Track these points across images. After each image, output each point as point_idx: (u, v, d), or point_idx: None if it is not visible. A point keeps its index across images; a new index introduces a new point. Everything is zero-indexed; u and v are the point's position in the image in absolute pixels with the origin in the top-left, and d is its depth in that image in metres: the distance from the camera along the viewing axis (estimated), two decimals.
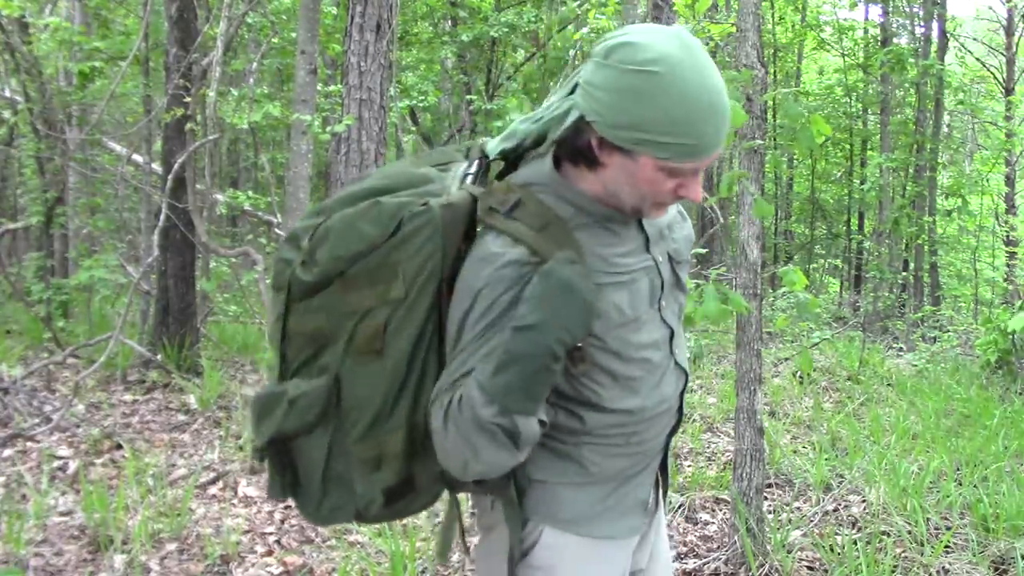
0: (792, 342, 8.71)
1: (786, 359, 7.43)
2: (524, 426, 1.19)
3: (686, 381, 1.47)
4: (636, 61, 1.12)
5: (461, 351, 1.23)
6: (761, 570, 2.99)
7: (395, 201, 1.27)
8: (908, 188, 11.24)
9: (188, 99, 5.52)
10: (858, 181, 14.31)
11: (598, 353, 1.29)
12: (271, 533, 3.43)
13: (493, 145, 1.37)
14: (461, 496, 1.48)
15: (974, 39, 17.23)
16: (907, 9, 13.23)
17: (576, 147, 1.24)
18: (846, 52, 14.74)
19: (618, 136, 1.17)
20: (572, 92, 1.23)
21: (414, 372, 1.29)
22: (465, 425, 1.19)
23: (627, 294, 1.31)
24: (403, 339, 1.27)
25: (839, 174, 16.12)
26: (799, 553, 3.18)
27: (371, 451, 1.32)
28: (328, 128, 5.24)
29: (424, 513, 3.54)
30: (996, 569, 3.11)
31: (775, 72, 15.05)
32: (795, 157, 15.29)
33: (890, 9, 13.33)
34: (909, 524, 3.38)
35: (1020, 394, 6.17)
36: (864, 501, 3.71)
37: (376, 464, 1.33)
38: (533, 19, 12.79)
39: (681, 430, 4.86)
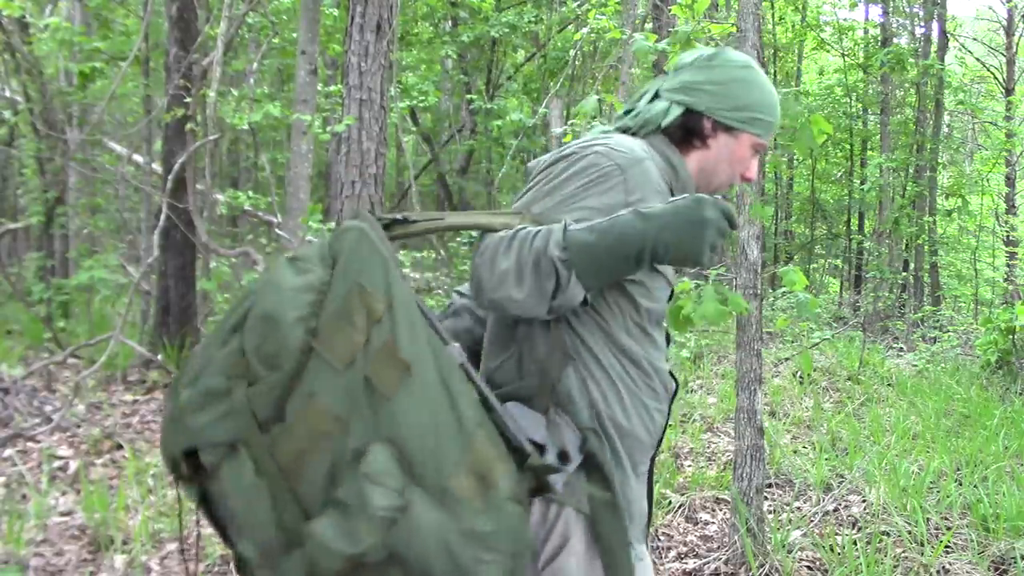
0: (792, 342, 8.71)
1: (786, 359, 7.43)
2: (572, 289, 1.24)
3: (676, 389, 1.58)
4: (738, 62, 1.53)
5: (554, 201, 1.35)
6: (761, 570, 2.99)
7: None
8: (908, 188, 11.24)
9: (188, 99, 5.52)
10: (858, 181, 14.30)
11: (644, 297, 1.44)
12: None
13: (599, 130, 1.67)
14: None
15: (974, 39, 17.23)
16: (907, 9, 13.23)
17: (690, 131, 1.52)
18: (846, 52, 14.74)
19: (732, 117, 1.51)
20: (653, 100, 1.55)
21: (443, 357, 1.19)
22: (528, 250, 1.23)
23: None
24: (416, 332, 1.17)
25: (839, 174, 16.12)
26: (799, 553, 3.18)
27: (475, 469, 1.15)
28: (328, 128, 5.25)
29: None
30: (996, 569, 3.11)
31: (775, 72, 15.05)
32: (795, 157, 15.29)
33: (890, 9, 13.33)
34: (909, 524, 3.38)
35: (1020, 394, 6.17)
36: (864, 501, 3.71)
37: (485, 478, 1.16)
38: (533, 19, 12.79)
39: (681, 430, 4.86)
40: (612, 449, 1.41)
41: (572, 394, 1.37)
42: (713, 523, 3.55)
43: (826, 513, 3.60)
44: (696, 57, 1.54)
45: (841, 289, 16.19)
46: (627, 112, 1.57)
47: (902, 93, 13.53)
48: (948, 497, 3.65)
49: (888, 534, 3.33)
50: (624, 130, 1.55)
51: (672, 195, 1.46)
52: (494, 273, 1.25)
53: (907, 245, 11.48)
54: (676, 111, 1.50)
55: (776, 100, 1.54)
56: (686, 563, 3.17)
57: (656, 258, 1.24)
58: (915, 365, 7.63)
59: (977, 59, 15.74)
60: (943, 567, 3.08)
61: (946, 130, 14.40)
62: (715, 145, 1.53)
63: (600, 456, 1.35)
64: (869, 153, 15.12)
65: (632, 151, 1.41)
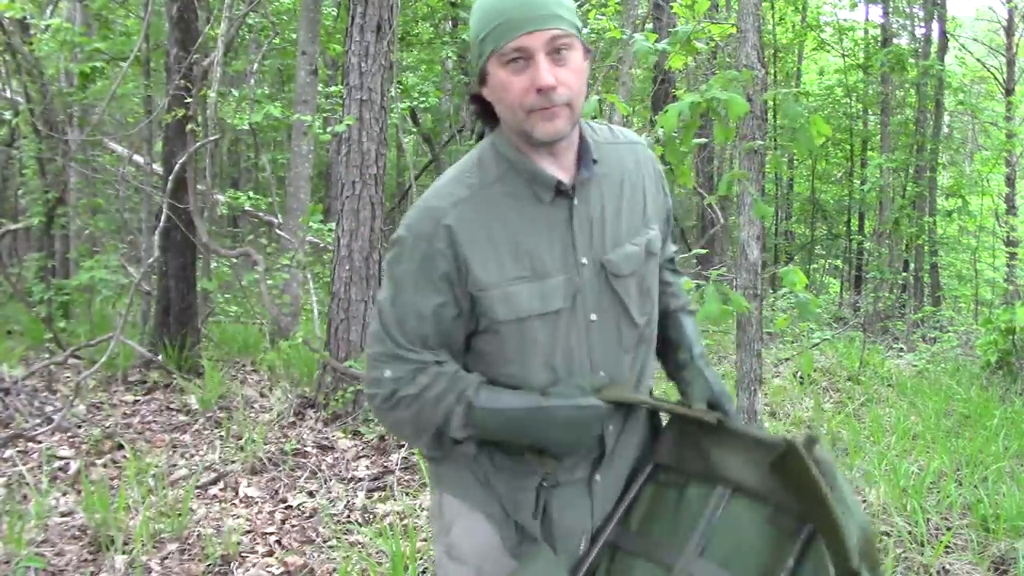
0: (792, 342, 8.71)
1: (786, 359, 7.43)
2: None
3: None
4: None
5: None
6: None
7: None
8: (908, 188, 11.24)
9: (189, 100, 5.52)
10: (858, 181, 14.31)
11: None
12: (272, 533, 3.44)
13: None
14: None
15: (974, 39, 17.23)
16: (907, 9, 13.23)
17: (479, 100, 1.38)
18: (846, 52, 14.74)
19: (475, 53, 1.32)
20: None
21: None
22: (429, 416, 1.42)
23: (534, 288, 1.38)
24: None
25: (839, 174, 16.12)
26: None
27: None
28: (329, 128, 5.25)
29: (424, 513, 3.54)
30: (996, 569, 3.11)
31: (775, 72, 15.04)
32: (795, 157, 15.29)
33: (890, 9, 13.33)
34: (909, 524, 3.38)
35: (1020, 394, 6.16)
36: (864, 501, 3.71)
37: None
38: None
39: None
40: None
41: None
42: None
43: None
44: None
45: (841, 289, 16.19)
46: None
47: (902, 93, 13.53)
48: (948, 497, 3.65)
49: (888, 534, 3.33)
50: (477, 135, 1.49)
51: (527, 188, 1.36)
52: (391, 415, 1.40)
53: (907, 245, 11.48)
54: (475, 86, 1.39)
55: (495, 3, 1.28)
56: None
57: (543, 448, 1.38)
58: (915, 365, 7.62)
59: (977, 59, 15.74)
60: (943, 567, 3.08)
61: (946, 130, 14.40)
62: (490, 96, 1.35)
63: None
64: (869, 153, 15.12)
65: (419, 216, 1.36)
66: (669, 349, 1.57)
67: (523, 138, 1.34)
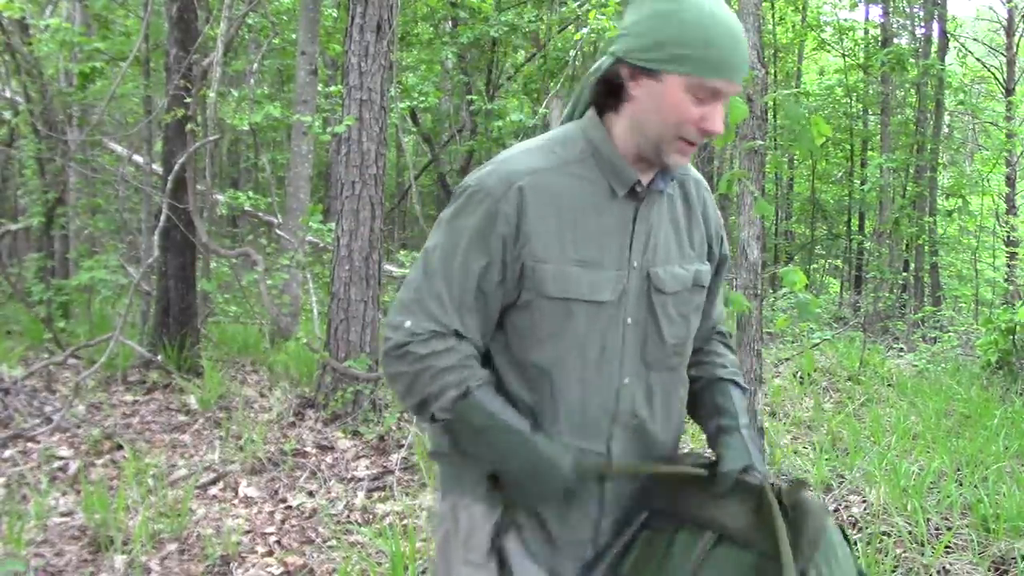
0: (792, 342, 8.71)
1: (786, 359, 7.43)
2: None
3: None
4: None
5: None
6: None
7: None
8: (908, 188, 11.24)
9: (188, 100, 5.52)
10: (858, 181, 14.31)
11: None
12: (271, 533, 3.43)
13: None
14: None
15: (974, 39, 17.23)
16: (907, 9, 13.23)
17: (610, 85, 1.33)
18: (846, 52, 14.75)
19: (649, 58, 1.27)
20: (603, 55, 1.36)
21: None
22: (423, 385, 1.40)
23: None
24: None
25: (839, 174, 16.12)
26: None
27: None
28: (329, 129, 5.25)
29: (424, 513, 3.54)
30: (996, 570, 3.11)
31: (775, 72, 15.05)
32: (795, 157, 15.29)
33: (890, 9, 13.33)
34: (909, 524, 3.38)
35: (1021, 394, 6.16)
36: (864, 501, 3.71)
37: None
38: (533, 19, 12.78)
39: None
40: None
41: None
42: None
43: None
44: None
45: (841, 289, 16.19)
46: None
47: (902, 93, 13.53)
48: (948, 497, 3.65)
49: (888, 534, 3.33)
50: (569, 114, 1.45)
51: (605, 181, 1.36)
52: (393, 365, 1.36)
53: (907, 245, 11.48)
54: (604, 63, 1.33)
55: (713, 30, 1.25)
56: None
57: (500, 476, 1.37)
58: (915, 365, 7.62)
59: (977, 59, 15.74)
60: (943, 567, 3.08)
61: (946, 130, 14.40)
62: (639, 94, 1.30)
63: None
64: (869, 153, 15.12)
65: (503, 175, 1.34)
66: (712, 415, 1.52)
67: (647, 149, 1.34)
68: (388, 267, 9.63)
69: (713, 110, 1.29)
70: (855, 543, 3.17)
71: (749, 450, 1.44)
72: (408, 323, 1.35)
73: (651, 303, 1.40)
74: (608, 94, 1.35)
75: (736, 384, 1.55)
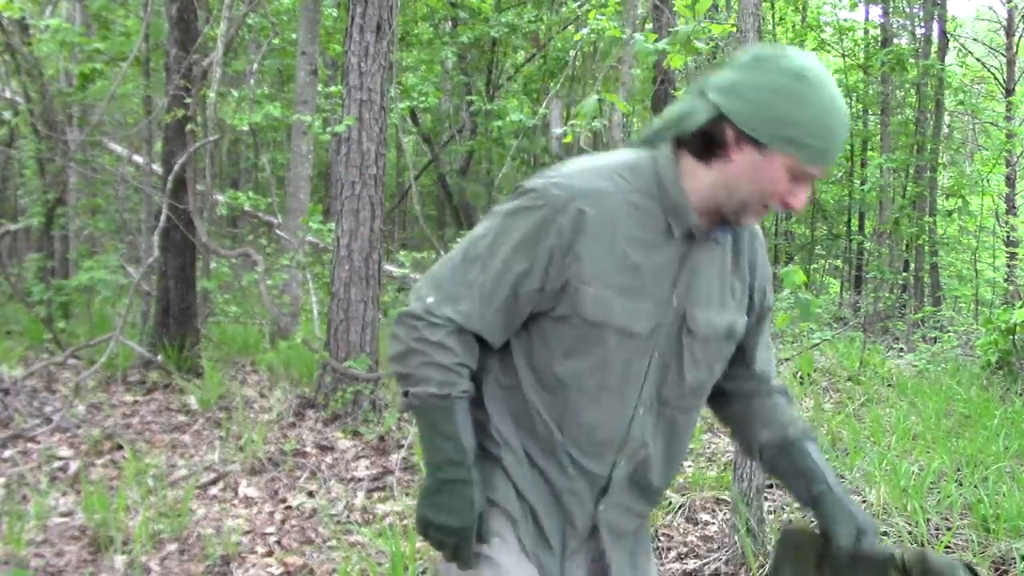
0: (792, 342, 8.71)
1: (786, 359, 7.43)
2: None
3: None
4: (790, 67, 1.27)
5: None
6: (761, 570, 2.99)
7: None
8: (908, 189, 11.25)
9: (188, 100, 5.52)
10: (858, 181, 14.31)
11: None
12: (271, 534, 3.43)
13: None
14: None
15: (974, 39, 17.23)
16: (907, 9, 13.23)
17: (709, 139, 1.32)
18: (846, 52, 14.74)
19: (761, 130, 1.27)
20: (696, 96, 1.34)
21: None
22: (414, 363, 1.43)
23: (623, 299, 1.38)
24: None
25: (839, 174, 16.11)
26: None
27: None
28: (329, 129, 5.25)
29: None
30: (996, 570, 3.11)
31: None
32: None
33: (890, 9, 13.33)
34: (909, 524, 3.38)
35: (1020, 394, 6.16)
36: (864, 501, 3.71)
37: None
38: (533, 20, 12.77)
39: None
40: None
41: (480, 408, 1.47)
42: (713, 523, 3.55)
43: None
44: (745, 56, 1.33)
45: (841, 289, 16.19)
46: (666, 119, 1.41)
47: (902, 93, 13.54)
48: (948, 497, 3.65)
49: (888, 534, 3.33)
50: (644, 139, 1.42)
51: (663, 218, 1.37)
52: (400, 327, 1.40)
53: (907, 245, 11.49)
54: (704, 113, 1.31)
55: (833, 123, 1.27)
56: (686, 563, 3.17)
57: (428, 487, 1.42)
58: (915, 365, 7.62)
59: (977, 59, 15.75)
60: None
61: (946, 130, 14.40)
62: (739, 159, 1.31)
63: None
64: (869, 153, 15.12)
65: (573, 187, 1.34)
66: (801, 481, 1.52)
67: (727, 207, 1.35)
68: (388, 267, 9.63)
69: (802, 189, 1.33)
70: None
71: (854, 513, 1.45)
72: (431, 299, 1.38)
73: (680, 343, 1.42)
74: (700, 143, 1.33)
75: (810, 438, 1.56)
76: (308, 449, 4.46)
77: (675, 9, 4.03)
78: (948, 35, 12.57)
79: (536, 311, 1.39)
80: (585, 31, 8.10)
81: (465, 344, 1.38)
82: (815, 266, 16.83)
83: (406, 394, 1.41)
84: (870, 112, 14.94)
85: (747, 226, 1.41)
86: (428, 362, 1.36)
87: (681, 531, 3.47)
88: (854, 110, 14.76)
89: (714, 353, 1.46)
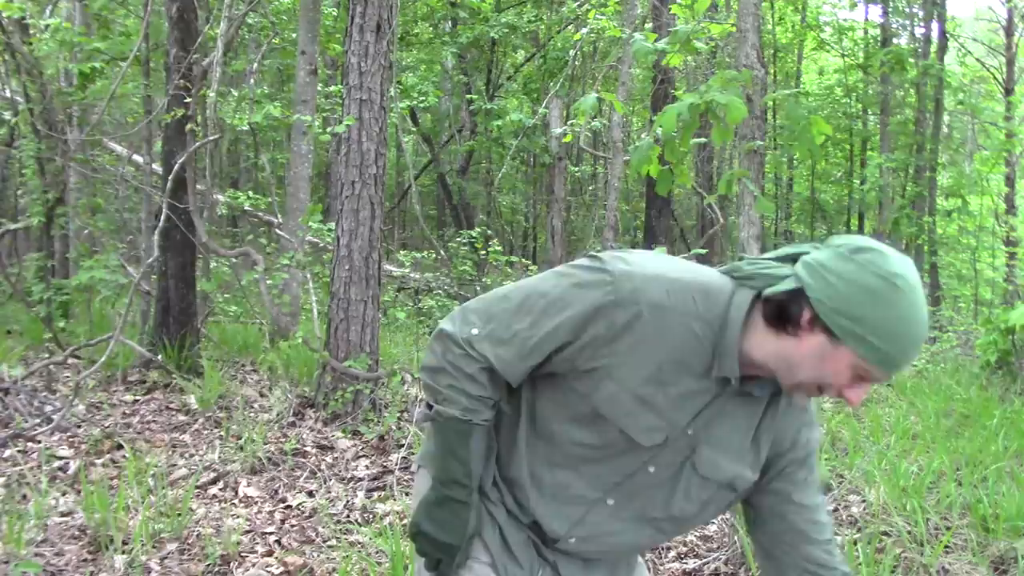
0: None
1: None
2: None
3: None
4: (883, 269, 1.24)
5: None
6: None
7: None
8: (908, 188, 11.26)
9: (188, 100, 5.52)
10: (858, 181, 14.32)
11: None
12: (271, 533, 3.44)
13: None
14: None
15: (974, 39, 17.23)
16: (907, 9, 13.23)
17: (785, 310, 1.30)
18: (846, 52, 14.75)
19: (837, 322, 1.25)
20: (793, 261, 1.33)
21: None
22: (446, 381, 1.47)
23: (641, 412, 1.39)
24: None
25: (839, 174, 16.13)
26: None
27: None
28: (328, 128, 5.25)
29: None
30: (996, 569, 3.12)
31: (775, 72, 15.05)
32: (795, 157, 15.30)
33: (890, 9, 13.33)
34: (909, 524, 3.38)
35: (1020, 394, 6.16)
36: (864, 501, 3.72)
37: None
38: (533, 19, 12.77)
39: None
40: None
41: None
42: (713, 523, 3.56)
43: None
44: (845, 243, 1.29)
45: None
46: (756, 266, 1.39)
47: (902, 93, 13.54)
48: (948, 497, 3.65)
49: (888, 534, 3.33)
50: (733, 272, 1.39)
51: (711, 354, 1.35)
52: (436, 346, 1.45)
53: (907, 245, 11.49)
54: (788, 284, 1.29)
55: (911, 333, 1.24)
56: (686, 563, 3.18)
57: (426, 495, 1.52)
58: (915, 365, 7.63)
59: (977, 59, 15.75)
60: (943, 567, 3.08)
61: (946, 130, 14.40)
62: (807, 340, 1.28)
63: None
64: (869, 153, 15.13)
65: (645, 290, 1.33)
66: None
67: (785, 370, 1.33)
68: (388, 267, 9.63)
69: (862, 387, 1.31)
70: (855, 543, 3.18)
71: None
72: (476, 331, 1.41)
73: (680, 472, 1.43)
74: (776, 310, 1.31)
75: None
76: (308, 449, 4.46)
77: (673, 11, 4.03)
78: (948, 35, 12.58)
79: (560, 372, 1.42)
80: (585, 31, 8.12)
81: (495, 381, 1.43)
82: None
83: (430, 407, 1.46)
84: (870, 112, 14.94)
85: (796, 398, 1.41)
86: (457, 388, 1.41)
87: None
88: (854, 110, 14.77)
89: (709, 497, 1.46)
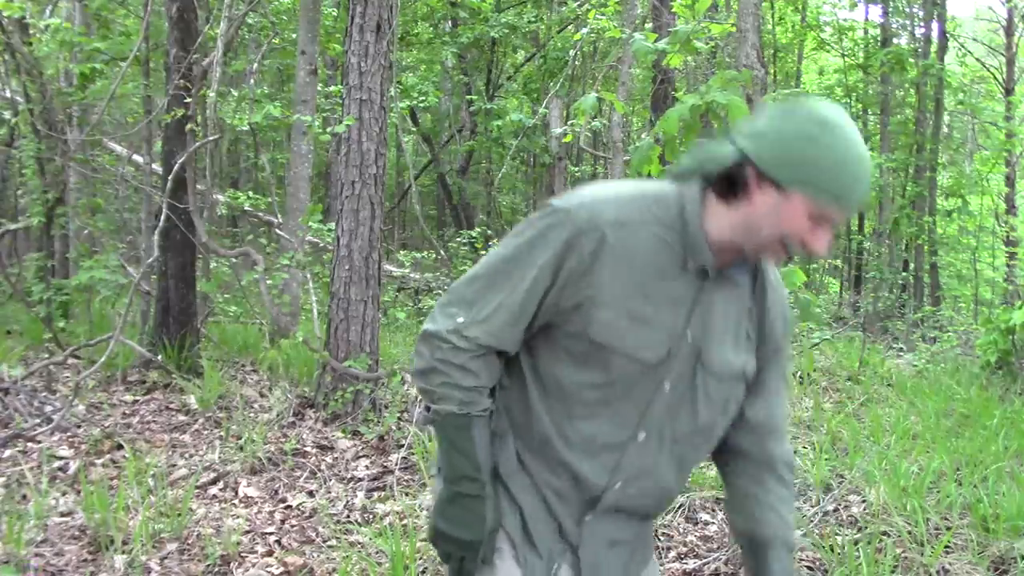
0: (792, 342, 8.70)
1: None
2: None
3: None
4: (814, 115, 1.32)
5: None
6: None
7: None
8: (908, 188, 11.26)
9: (188, 100, 5.52)
10: None
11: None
12: (271, 533, 3.44)
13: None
14: None
15: (974, 39, 17.24)
16: (907, 9, 13.24)
17: (732, 180, 1.36)
18: (846, 52, 14.75)
19: (781, 172, 1.31)
20: (724, 142, 1.38)
21: None
22: (436, 380, 1.47)
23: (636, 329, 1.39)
24: None
25: None
26: (799, 553, 3.18)
27: None
28: (328, 128, 5.24)
29: (424, 513, 3.54)
30: (996, 569, 3.11)
31: (775, 72, 15.05)
32: None
33: (890, 9, 13.34)
34: (909, 524, 3.38)
35: (1020, 394, 6.16)
36: (864, 501, 3.71)
37: None
38: (533, 19, 12.77)
39: None
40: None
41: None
42: (713, 523, 3.56)
43: (826, 513, 3.61)
44: (780, 105, 1.37)
45: (841, 289, 16.19)
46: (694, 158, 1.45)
47: (902, 93, 13.54)
48: (948, 497, 3.65)
49: (888, 534, 3.33)
50: (675, 175, 1.45)
51: (682, 252, 1.39)
52: (422, 348, 1.46)
53: (907, 245, 11.50)
54: (730, 156, 1.35)
55: (852, 168, 1.30)
56: (686, 563, 3.18)
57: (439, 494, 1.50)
58: (915, 365, 7.63)
59: (977, 59, 15.75)
60: (943, 567, 3.08)
61: (946, 130, 14.41)
62: (759, 200, 1.33)
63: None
64: (869, 153, 15.12)
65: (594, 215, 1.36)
66: None
67: (748, 246, 1.38)
68: (388, 267, 9.63)
69: (822, 232, 1.35)
70: (855, 543, 3.18)
71: None
72: (461, 319, 1.41)
73: (694, 379, 1.43)
74: (725, 183, 1.37)
75: (787, 546, 1.62)
76: (308, 449, 4.46)
77: (674, 10, 4.02)
78: (948, 35, 12.58)
79: (548, 323, 1.42)
80: (585, 31, 8.11)
81: (488, 366, 1.43)
82: (815, 265, 16.82)
83: (428, 408, 1.47)
84: (870, 112, 14.94)
85: (766, 263, 1.45)
86: (450, 383, 1.42)
87: (681, 531, 3.48)
88: (854, 110, 14.76)
89: (728, 393, 1.47)
